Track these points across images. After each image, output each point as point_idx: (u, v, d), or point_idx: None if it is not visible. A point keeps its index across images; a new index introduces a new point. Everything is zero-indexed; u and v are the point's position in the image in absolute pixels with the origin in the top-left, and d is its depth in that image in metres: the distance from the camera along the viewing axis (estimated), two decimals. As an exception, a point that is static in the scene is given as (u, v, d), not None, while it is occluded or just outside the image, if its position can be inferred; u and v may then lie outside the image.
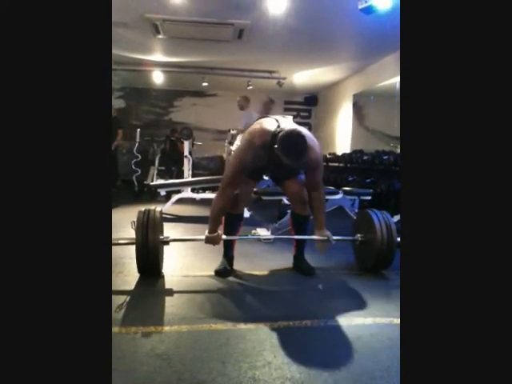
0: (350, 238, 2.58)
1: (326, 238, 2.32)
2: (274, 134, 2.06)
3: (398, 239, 2.35)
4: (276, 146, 2.02)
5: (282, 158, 2.02)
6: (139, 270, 2.23)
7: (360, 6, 3.50)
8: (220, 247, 2.47)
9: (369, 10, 3.49)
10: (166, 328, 1.64)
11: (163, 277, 2.31)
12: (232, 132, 5.99)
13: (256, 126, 2.23)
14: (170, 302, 1.95)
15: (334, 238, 2.35)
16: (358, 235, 2.52)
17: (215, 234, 2.27)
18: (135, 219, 2.22)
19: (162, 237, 2.29)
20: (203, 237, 2.29)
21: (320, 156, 2.28)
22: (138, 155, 6.34)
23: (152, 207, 2.33)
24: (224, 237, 2.33)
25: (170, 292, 2.09)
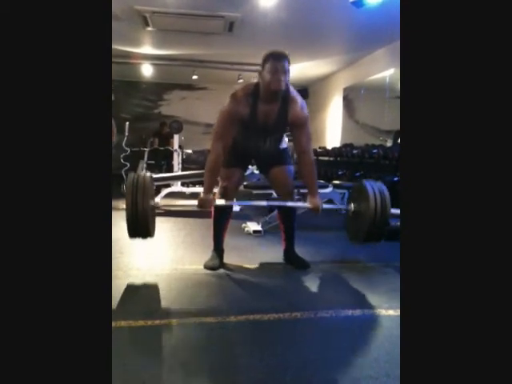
0: (342, 206, 2.54)
1: (317, 206, 2.30)
2: (257, 84, 2.14)
3: (393, 210, 2.29)
4: (261, 64, 2.09)
5: (266, 71, 2.06)
6: (130, 234, 2.17)
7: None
8: (210, 241, 2.47)
9: (360, 4, 3.49)
10: (156, 322, 1.64)
11: (153, 270, 2.31)
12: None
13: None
14: (159, 296, 1.94)
15: (328, 206, 2.35)
16: (352, 205, 2.45)
17: (210, 196, 2.25)
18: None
19: (152, 201, 2.25)
20: (195, 202, 2.26)
21: (306, 114, 2.27)
22: (127, 149, 6.28)
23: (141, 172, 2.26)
24: (218, 201, 2.30)
25: (160, 286, 2.09)
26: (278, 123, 2.22)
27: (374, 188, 2.34)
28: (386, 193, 2.34)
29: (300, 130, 2.26)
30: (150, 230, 2.21)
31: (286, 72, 2.07)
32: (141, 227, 2.14)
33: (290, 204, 2.40)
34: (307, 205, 2.33)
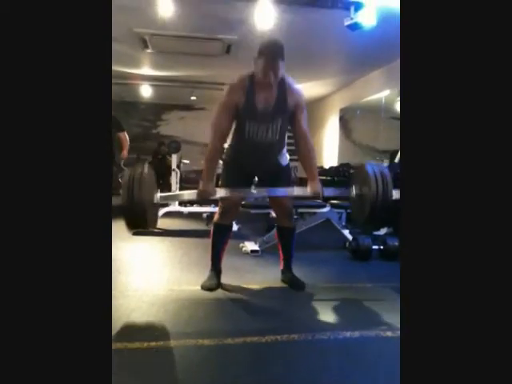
0: (344, 192, 2.42)
1: (317, 192, 2.23)
2: (252, 74, 2.16)
3: (395, 194, 2.18)
4: (256, 55, 2.11)
5: (259, 64, 2.08)
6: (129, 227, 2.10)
7: (346, 23, 3.58)
8: (207, 261, 2.45)
9: (355, 27, 3.57)
10: (153, 344, 1.62)
11: (150, 291, 2.28)
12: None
13: None
14: (156, 317, 1.92)
15: (329, 191, 2.32)
16: (353, 190, 2.33)
17: (210, 186, 2.18)
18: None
19: (152, 196, 2.14)
20: (195, 192, 2.19)
21: (303, 100, 2.28)
22: (126, 169, 6.29)
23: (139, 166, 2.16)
24: (219, 190, 2.22)
25: (156, 307, 2.06)
26: (277, 109, 2.19)
27: (375, 170, 2.24)
28: (388, 175, 2.24)
29: (300, 112, 2.25)
30: (149, 221, 2.08)
31: (279, 67, 2.09)
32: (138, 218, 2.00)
33: (292, 192, 2.32)
34: (307, 191, 2.25)
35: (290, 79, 2.23)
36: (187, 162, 7.20)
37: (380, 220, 2.26)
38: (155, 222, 2.19)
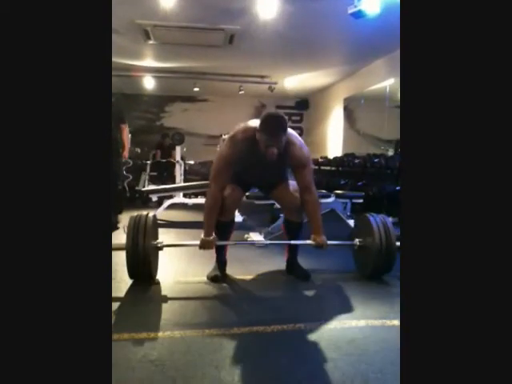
0: (348, 243, 2.56)
1: (321, 244, 2.28)
2: (256, 129, 2.09)
3: (398, 243, 2.29)
4: (258, 128, 2.06)
5: (261, 140, 2.04)
6: (130, 276, 2.21)
7: (350, 11, 3.54)
8: (213, 252, 2.46)
9: (358, 15, 3.53)
10: (159, 334, 1.63)
11: (155, 283, 2.30)
12: (224, 137, 5.98)
13: (240, 125, 2.26)
14: (162, 308, 1.93)
15: (333, 242, 2.34)
16: (357, 240, 2.48)
17: (210, 237, 2.26)
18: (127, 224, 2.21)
19: (155, 242, 2.27)
20: (197, 242, 2.27)
21: (306, 154, 2.26)
22: (130, 161, 6.31)
23: (144, 212, 2.31)
24: (219, 242, 2.32)
25: (163, 298, 2.08)
26: (278, 165, 2.23)
27: (378, 222, 2.36)
28: (391, 226, 2.36)
29: (302, 169, 2.24)
30: (152, 271, 2.23)
31: (281, 141, 2.04)
32: (141, 269, 2.16)
33: (292, 242, 2.41)
34: (311, 242, 2.30)
35: (293, 138, 2.21)
36: (192, 162, 7.21)
37: (385, 269, 2.38)
38: (156, 271, 2.36)
